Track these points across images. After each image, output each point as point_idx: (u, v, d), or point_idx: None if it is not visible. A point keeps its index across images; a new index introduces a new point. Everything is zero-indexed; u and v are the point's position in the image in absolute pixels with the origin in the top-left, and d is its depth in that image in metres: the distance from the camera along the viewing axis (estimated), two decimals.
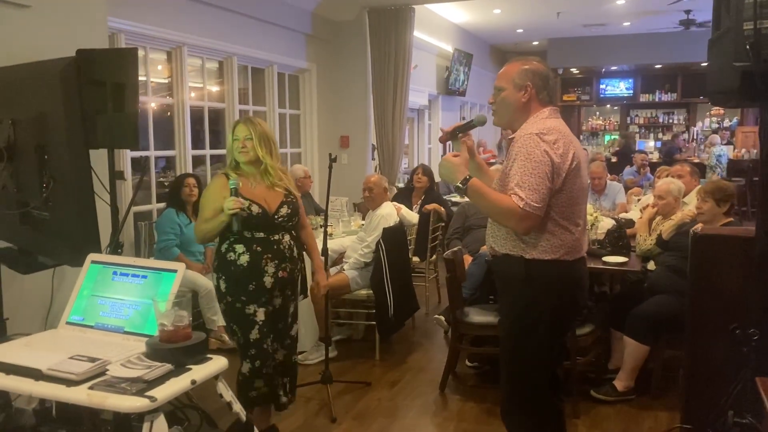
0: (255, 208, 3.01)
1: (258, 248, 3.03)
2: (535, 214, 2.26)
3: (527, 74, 2.44)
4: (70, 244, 2.32)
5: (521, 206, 2.24)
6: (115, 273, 2.06)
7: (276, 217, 3.07)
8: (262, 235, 3.04)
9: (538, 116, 2.43)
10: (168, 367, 1.69)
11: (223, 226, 2.96)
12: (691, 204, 4.68)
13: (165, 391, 1.59)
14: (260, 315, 3.05)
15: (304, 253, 3.39)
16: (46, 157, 2.26)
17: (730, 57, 2.02)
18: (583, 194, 2.46)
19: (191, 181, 4.94)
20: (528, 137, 2.32)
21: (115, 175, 3.19)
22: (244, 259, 3.00)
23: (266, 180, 3.09)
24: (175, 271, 1.98)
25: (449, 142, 2.62)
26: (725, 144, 12.19)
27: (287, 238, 3.15)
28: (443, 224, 5.95)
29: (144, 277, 2.02)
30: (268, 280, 3.05)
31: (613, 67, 14.20)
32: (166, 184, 5.88)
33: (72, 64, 2.33)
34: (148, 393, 1.57)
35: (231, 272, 3.02)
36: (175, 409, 1.90)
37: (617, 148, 12.43)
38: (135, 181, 5.09)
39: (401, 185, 8.13)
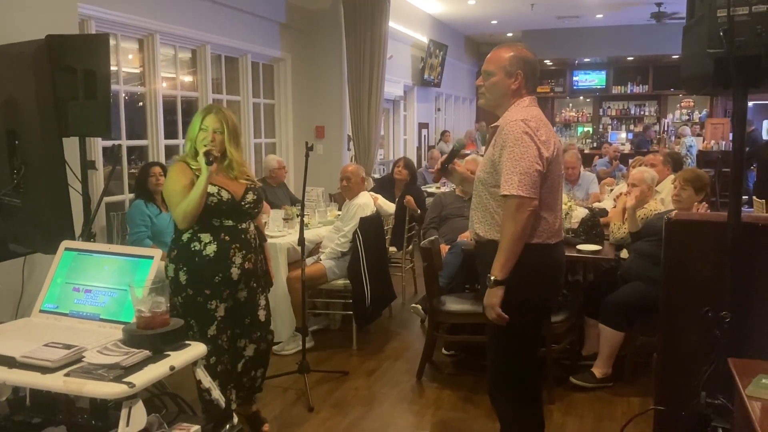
0: (225, 194, 2.92)
1: (226, 237, 2.94)
2: (529, 197, 2.30)
3: (519, 62, 2.48)
4: (43, 231, 2.28)
5: (515, 193, 2.29)
6: (89, 260, 2.03)
7: (243, 203, 3.00)
8: (230, 223, 2.96)
9: (519, 104, 2.49)
10: (146, 353, 1.66)
11: (203, 193, 2.81)
12: (663, 193, 4.76)
13: (143, 377, 1.57)
14: (221, 311, 2.97)
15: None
16: (17, 142, 2.21)
17: (703, 44, 2.04)
18: (560, 181, 2.54)
19: (157, 170, 4.82)
20: (514, 123, 2.38)
21: (87, 165, 3.13)
22: (211, 249, 2.89)
23: (229, 173, 3.01)
24: (151, 257, 1.95)
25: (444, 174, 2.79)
26: (696, 136, 12.41)
27: (252, 227, 3.10)
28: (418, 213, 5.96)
29: (120, 264, 1.99)
30: (234, 272, 2.96)
31: (586, 59, 14.35)
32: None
33: (43, 47, 2.28)
34: (126, 379, 1.54)
35: (195, 263, 2.89)
36: (152, 397, 1.88)
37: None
38: (106, 170, 5.00)
39: (377, 176, 8.13)
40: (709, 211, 3.92)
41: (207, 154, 2.81)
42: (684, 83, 2.31)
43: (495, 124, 2.52)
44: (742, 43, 1.96)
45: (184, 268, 2.90)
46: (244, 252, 2.99)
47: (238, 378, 3.18)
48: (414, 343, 4.79)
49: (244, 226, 3.02)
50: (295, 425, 3.47)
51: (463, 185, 2.84)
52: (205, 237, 2.90)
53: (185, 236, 2.91)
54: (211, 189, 2.88)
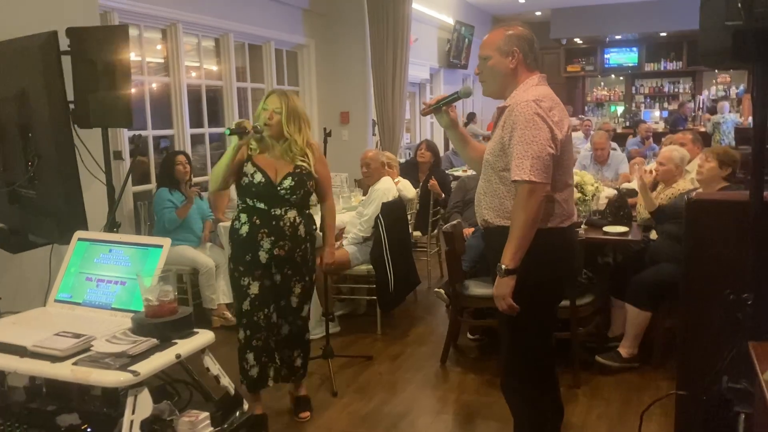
0: (258, 176, 3.02)
1: (256, 221, 3.04)
2: (541, 183, 2.22)
3: (512, 39, 2.39)
4: (57, 222, 2.32)
5: (526, 179, 2.20)
6: (101, 250, 2.06)
7: (279, 188, 3.03)
8: (262, 206, 3.04)
9: (528, 83, 2.40)
10: (153, 341, 1.68)
11: (229, 162, 2.93)
12: (693, 172, 4.63)
13: (148, 366, 1.59)
14: (253, 288, 3.08)
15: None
16: (30, 134, 2.25)
17: (721, 16, 1.96)
18: (572, 162, 2.48)
19: (182, 158, 4.90)
20: (525, 104, 2.28)
21: (113, 155, 3.18)
22: (245, 229, 3.04)
23: (286, 156, 3.07)
24: (160, 246, 1.97)
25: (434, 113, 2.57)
26: (733, 113, 11.99)
27: (292, 214, 3.08)
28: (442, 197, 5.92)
29: (130, 253, 2.01)
30: (263, 256, 3.07)
31: (618, 37, 13.98)
32: None
33: (52, 38, 2.30)
34: (132, 367, 1.56)
35: (233, 239, 3.10)
36: (165, 384, 1.90)
37: None
38: (133, 160, 5.06)
39: (402, 160, 8.09)
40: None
41: (238, 125, 2.90)
42: (702, 58, 2.22)
43: (502, 104, 2.42)
44: (762, 14, 1.87)
45: (230, 243, 3.13)
46: (273, 238, 3.04)
47: (274, 353, 3.27)
48: (438, 327, 4.77)
49: (277, 212, 3.05)
50: (319, 410, 3.49)
51: (449, 131, 2.61)
52: (243, 217, 3.07)
53: (233, 213, 3.15)
54: (249, 169, 3.03)
